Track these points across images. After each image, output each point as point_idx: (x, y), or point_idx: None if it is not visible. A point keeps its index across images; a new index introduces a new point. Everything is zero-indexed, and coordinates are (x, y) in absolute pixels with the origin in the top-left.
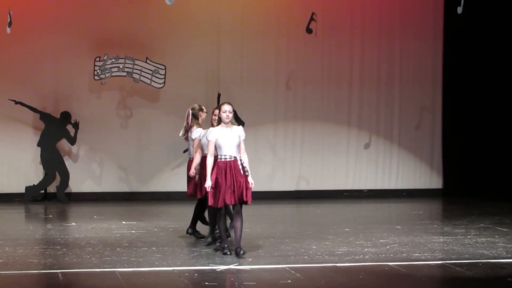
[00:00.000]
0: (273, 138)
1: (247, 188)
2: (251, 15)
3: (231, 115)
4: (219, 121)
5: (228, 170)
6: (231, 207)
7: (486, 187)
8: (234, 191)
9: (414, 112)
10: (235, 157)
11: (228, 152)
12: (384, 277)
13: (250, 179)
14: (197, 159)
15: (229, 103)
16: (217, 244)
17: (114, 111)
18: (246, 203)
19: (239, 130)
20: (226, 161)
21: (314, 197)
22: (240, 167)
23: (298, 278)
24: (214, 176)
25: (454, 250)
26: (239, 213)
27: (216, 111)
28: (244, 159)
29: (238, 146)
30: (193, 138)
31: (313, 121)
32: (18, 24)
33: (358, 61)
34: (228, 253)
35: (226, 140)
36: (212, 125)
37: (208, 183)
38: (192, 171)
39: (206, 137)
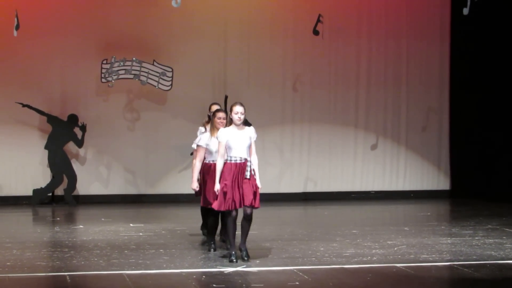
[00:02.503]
0: (280, 140)
1: (255, 191)
2: (258, 17)
3: (243, 117)
4: (230, 122)
5: (238, 172)
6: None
7: (493, 188)
8: (241, 194)
9: (421, 113)
10: (245, 159)
11: (239, 154)
12: (392, 279)
13: (258, 183)
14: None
15: (241, 104)
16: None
17: (121, 114)
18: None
19: (250, 131)
20: (236, 163)
21: (321, 199)
22: (249, 169)
23: (306, 280)
24: (223, 179)
25: (462, 251)
26: (249, 216)
27: (219, 114)
28: (254, 161)
29: (249, 147)
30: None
31: (320, 122)
32: (25, 27)
33: (365, 63)
34: (235, 260)
35: (237, 141)
36: (216, 128)
37: (217, 187)
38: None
39: (217, 138)
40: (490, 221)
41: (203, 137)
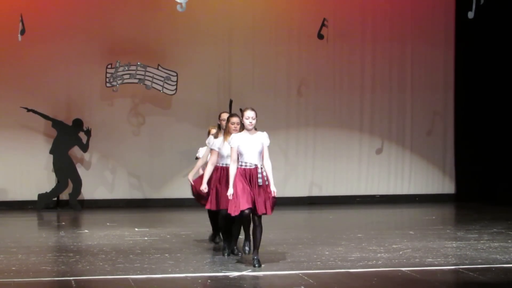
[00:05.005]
0: (285, 144)
1: (268, 198)
2: (262, 21)
3: (254, 122)
4: (242, 127)
5: (248, 178)
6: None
7: (498, 192)
8: (252, 199)
9: (426, 117)
10: (255, 165)
11: (250, 159)
12: (397, 283)
13: (272, 188)
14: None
15: (252, 109)
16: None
17: (126, 118)
18: (265, 213)
19: (263, 136)
20: (246, 169)
21: (326, 203)
22: (260, 175)
23: (311, 284)
24: (235, 184)
25: (467, 255)
26: (259, 224)
27: (233, 119)
28: (267, 166)
29: (261, 153)
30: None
31: (325, 126)
32: (30, 31)
33: (370, 67)
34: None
35: (248, 147)
36: (230, 134)
37: (230, 191)
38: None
39: (229, 143)
40: (495, 224)
41: (216, 141)
